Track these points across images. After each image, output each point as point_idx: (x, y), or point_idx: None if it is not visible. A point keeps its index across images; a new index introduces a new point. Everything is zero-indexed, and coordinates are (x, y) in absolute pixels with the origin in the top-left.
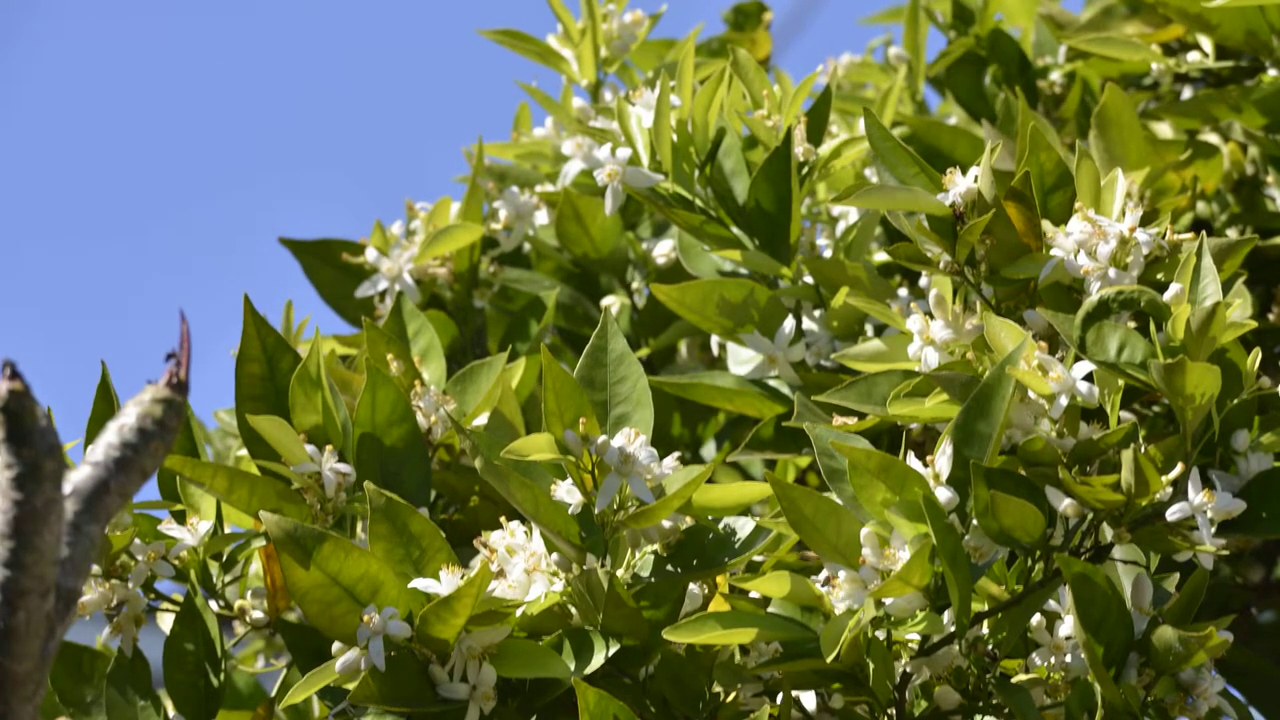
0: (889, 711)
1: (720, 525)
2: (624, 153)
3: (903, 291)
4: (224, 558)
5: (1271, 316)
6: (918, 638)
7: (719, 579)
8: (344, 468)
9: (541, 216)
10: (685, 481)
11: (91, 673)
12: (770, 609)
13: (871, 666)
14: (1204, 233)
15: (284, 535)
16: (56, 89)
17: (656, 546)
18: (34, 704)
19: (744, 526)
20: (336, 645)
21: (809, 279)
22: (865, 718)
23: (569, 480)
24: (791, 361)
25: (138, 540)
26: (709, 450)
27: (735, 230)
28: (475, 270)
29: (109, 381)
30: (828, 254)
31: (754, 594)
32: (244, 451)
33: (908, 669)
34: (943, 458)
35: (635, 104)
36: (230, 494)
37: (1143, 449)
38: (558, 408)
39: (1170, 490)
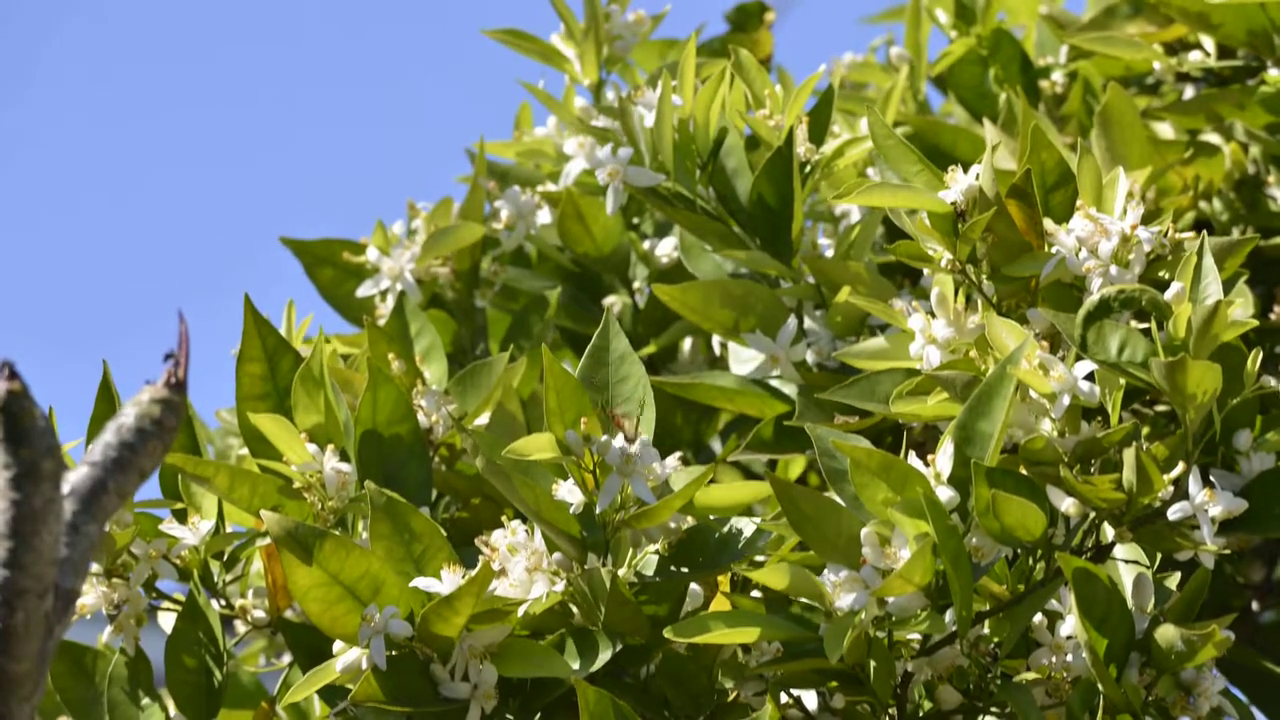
0: (890, 711)
1: (723, 525)
2: (625, 152)
3: (904, 292)
4: (225, 557)
5: (1273, 316)
6: (919, 637)
7: (720, 578)
8: (345, 467)
9: (543, 216)
10: (687, 481)
11: (93, 672)
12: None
13: (873, 666)
14: (1205, 232)
15: (285, 534)
16: (58, 87)
17: (658, 546)
18: (32, 704)
19: (747, 526)
20: (337, 644)
21: (811, 278)
22: (867, 717)
23: (570, 480)
24: (793, 361)
25: (139, 539)
26: (711, 449)
27: (737, 229)
28: (477, 269)
29: (110, 381)
30: (829, 253)
31: (754, 592)
32: (245, 451)
33: (909, 668)
34: (944, 457)
35: (637, 103)
36: (231, 492)
37: (1144, 448)
38: (559, 407)
39: (1172, 489)
